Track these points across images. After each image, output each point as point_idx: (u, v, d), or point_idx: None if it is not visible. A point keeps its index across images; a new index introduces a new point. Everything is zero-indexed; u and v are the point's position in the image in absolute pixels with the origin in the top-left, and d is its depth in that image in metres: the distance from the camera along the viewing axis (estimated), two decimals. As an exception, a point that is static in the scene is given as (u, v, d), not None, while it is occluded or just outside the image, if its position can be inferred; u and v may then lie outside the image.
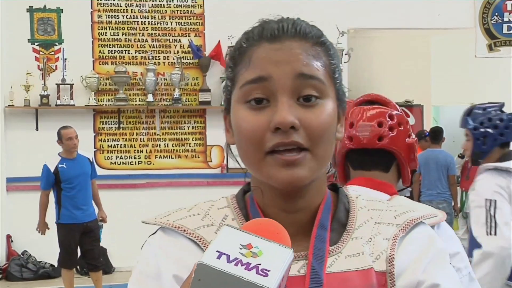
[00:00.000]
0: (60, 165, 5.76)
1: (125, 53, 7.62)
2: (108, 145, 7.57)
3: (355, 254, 0.94)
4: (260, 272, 0.68)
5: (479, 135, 2.97)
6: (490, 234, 2.71)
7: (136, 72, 7.58)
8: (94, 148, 7.47)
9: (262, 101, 0.91)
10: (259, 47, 0.93)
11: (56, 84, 7.31)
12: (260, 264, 0.69)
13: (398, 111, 1.87)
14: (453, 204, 7.44)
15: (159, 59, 7.67)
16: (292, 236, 0.93)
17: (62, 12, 7.49)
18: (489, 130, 2.96)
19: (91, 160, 6.06)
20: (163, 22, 7.69)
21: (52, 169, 5.74)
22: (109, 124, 7.57)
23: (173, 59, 7.63)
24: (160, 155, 7.66)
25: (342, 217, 0.99)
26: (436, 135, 7.51)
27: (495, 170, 2.83)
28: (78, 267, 6.70)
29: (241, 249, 0.70)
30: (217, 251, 0.70)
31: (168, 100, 7.62)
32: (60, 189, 5.76)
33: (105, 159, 7.46)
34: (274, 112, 0.89)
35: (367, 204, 1.02)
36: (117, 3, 7.60)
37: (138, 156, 7.63)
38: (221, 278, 0.68)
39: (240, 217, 0.98)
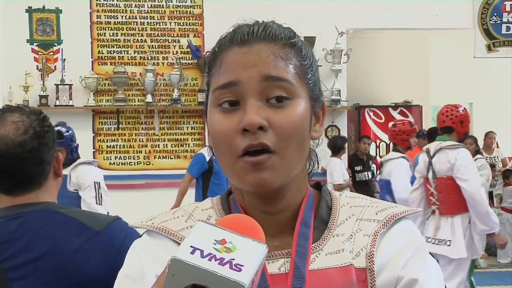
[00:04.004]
0: (214, 156, 5.82)
1: (124, 53, 7.63)
2: (107, 146, 7.57)
3: (335, 251, 0.94)
4: (234, 267, 0.69)
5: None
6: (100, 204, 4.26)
7: (135, 73, 7.59)
8: (93, 148, 7.48)
9: (234, 104, 0.92)
10: (229, 51, 0.95)
11: (55, 84, 7.31)
12: (233, 259, 0.70)
13: None
14: None
15: (158, 59, 7.68)
16: (274, 235, 0.94)
17: (61, 13, 7.50)
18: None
19: None
20: (162, 22, 7.70)
21: (207, 159, 5.84)
22: (108, 125, 7.57)
23: (172, 59, 7.64)
24: (159, 156, 7.66)
25: (324, 215, 1.00)
26: (433, 135, 7.51)
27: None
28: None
29: (215, 244, 0.71)
30: (191, 246, 0.70)
31: (167, 101, 7.62)
32: (209, 180, 5.89)
33: (104, 159, 7.47)
34: (243, 114, 0.91)
35: (349, 201, 1.02)
36: (116, 4, 7.61)
37: (137, 156, 7.63)
38: (195, 273, 0.68)
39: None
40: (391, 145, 5.93)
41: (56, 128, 4.43)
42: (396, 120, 5.85)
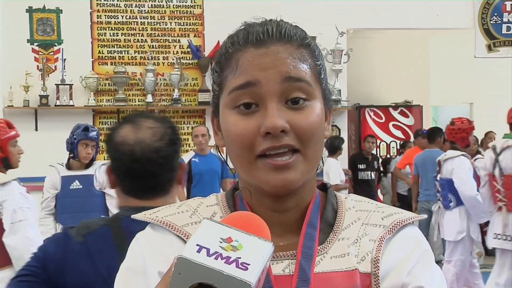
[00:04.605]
0: (193, 159, 6.15)
1: (125, 53, 7.62)
2: (107, 146, 7.57)
3: (340, 255, 0.94)
4: (240, 266, 0.69)
5: None
6: None
7: (136, 73, 7.59)
8: (94, 148, 7.47)
9: (251, 105, 0.91)
10: (245, 52, 0.93)
11: (55, 84, 7.31)
12: (240, 258, 0.70)
13: None
14: None
15: (159, 59, 7.68)
16: (280, 235, 0.93)
17: (62, 13, 7.50)
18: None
19: (222, 160, 6.24)
20: (163, 22, 7.70)
21: (186, 162, 6.10)
22: (108, 125, 7.56)
23: (173, 59, 7.64)
24: (160, 156, 7.66)
25: (329, 217, 0.99)
26: (431, 135, 7.51)
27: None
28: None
29: (221, 242, 0.71)
30: (197, 245, 0.70)
31: (167, 101, 7.62)
32: (190, 183, 6.11)
33: (104, 159, 7.46)
34: (264, 117, 0.90)
35: (355, 204, 1.02)
36: (117, 4, 7.61)
37: (138, 156, 7.63)
38: (201, 272, 0.68)
39: (228, 214, 0.98)
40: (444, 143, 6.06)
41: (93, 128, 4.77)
42: (454, 118, 5.85)
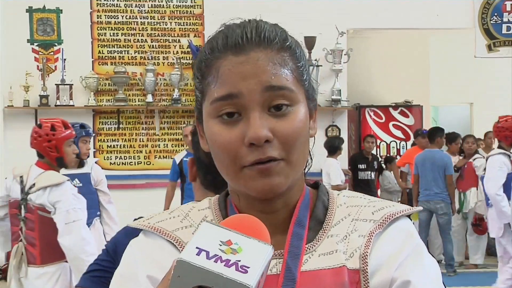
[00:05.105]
0: (184, 158, 6.12)
1: (125, 53, 7.63)
2: (107, 146, 7.57)
3: (328, 252, 0.93)
4: (240, 269, 0.69)
5: None
6: None
7: (136, 73, 7.59)
8: (94, 148, 7.47)
9: (234, 114, 0.91)
10: (224, 59, 0.92)
11: (55, 84, 7.32)
12: (239, 261, 0.69)
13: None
14: (451, 203, 7.42)
15: (159, 59, 7.68)
16: (270, 235, 0.94)
17: (62, 13, 7.50)
18: None
19: None
20: (163, 22, 7.70)
21: (177, 161, 6.23)
22: (108, 125, 7.57)
23: (173, 59, 7.64)
24: (160, 156, 7.66)
25: (319, 214, 0.98)
26: (431, 135, 7.52)
27: None
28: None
29: (220, 245, 0.71)
30: (196, 248, 0.70)
31: (167, 101, 7.63)
32: (184, 182, 6.15)
33: (104, 159, 7.47)
34: (247, 127, 0.90)
35: (347, 200, 1.01)
36: (117, 4, 7.61)
37: (138, 156, 7.63)
38: (201, 275, 0.68)
39: (219, 218, 0.99)
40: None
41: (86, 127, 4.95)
42: (500, 116, 5.94)
